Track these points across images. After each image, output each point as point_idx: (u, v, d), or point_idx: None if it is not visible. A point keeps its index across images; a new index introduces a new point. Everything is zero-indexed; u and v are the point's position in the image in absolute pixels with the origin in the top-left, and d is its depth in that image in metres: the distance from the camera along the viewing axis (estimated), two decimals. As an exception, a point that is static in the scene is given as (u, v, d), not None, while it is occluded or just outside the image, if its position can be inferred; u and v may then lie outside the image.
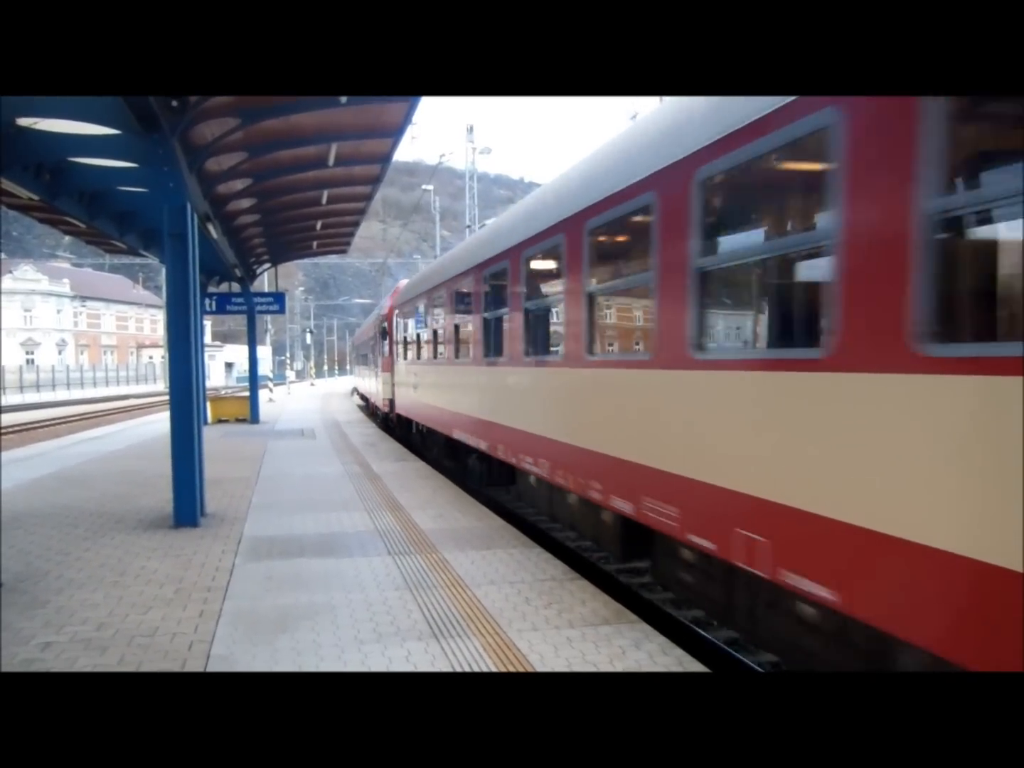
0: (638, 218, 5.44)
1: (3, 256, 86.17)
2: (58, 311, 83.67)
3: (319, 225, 18.21)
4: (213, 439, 17.12)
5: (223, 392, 40.42)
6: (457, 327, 11.19)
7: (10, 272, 78.95)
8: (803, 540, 3.73)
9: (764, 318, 4.74)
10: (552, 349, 7.44)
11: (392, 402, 18.99)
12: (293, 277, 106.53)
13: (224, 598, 5.78)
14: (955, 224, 2.99)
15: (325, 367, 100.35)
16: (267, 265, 24.69)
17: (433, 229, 44.63)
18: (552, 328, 7.55)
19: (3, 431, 26.18)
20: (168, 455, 8.49)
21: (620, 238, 6.25)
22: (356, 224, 18.96)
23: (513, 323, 8.26)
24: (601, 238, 6.23)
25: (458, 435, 11.09)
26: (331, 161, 11.79)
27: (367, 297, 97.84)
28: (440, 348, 12.67)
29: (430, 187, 39.99)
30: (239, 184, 12.80)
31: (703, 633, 6.57)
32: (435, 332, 13.10)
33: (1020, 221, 2.88)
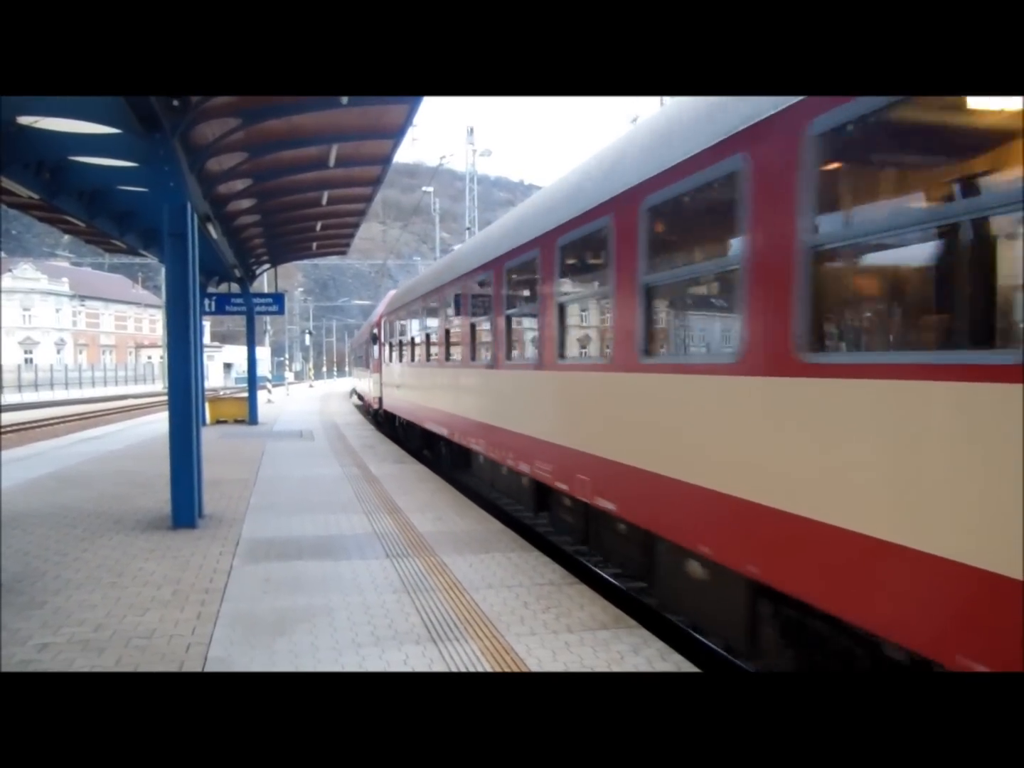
0: (530, 266, 7.61)
1: (3, 255, 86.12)
2: (57, 310, 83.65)
3: (319, 226, 18.22)
4: (211, 440, 17.11)
5: (222, 393, 40.37)
6: (428, 336, 13.86)
7: (9, 271, 78.97)
8: (602, 476, 5.95)
9: (577, 339, 7.71)
10: (483, 356, 9.84)
11: (381, 399, 21.79)
12: (293, 278, 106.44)
13: (222, 600, 5.77)
14: (651, 294, 5.25)
15: (324, 368, 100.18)
16: (267, 266, 24.68)
17: (433, 231, 44.63)
18: (482, 340, 9.99)
19: (2, 431, 26.17)
20: (166, 456, 8.48)
21: (522, 279, 8.39)
22: (356, 225, 18.96)
23: (462, 335, 10.80)
24: (512, 277, 8.55)
25: (429, 426, 13.71)
26: (332, 162, 11.79)
27: (366, 299, 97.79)
28: (416, 353, 15.37)
29: (430, 189, 40.00)
30: (239, 184, 12.80)
31: (701, 639, 6.56)
32: (412, 339, 15.81)
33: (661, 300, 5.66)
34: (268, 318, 41.79)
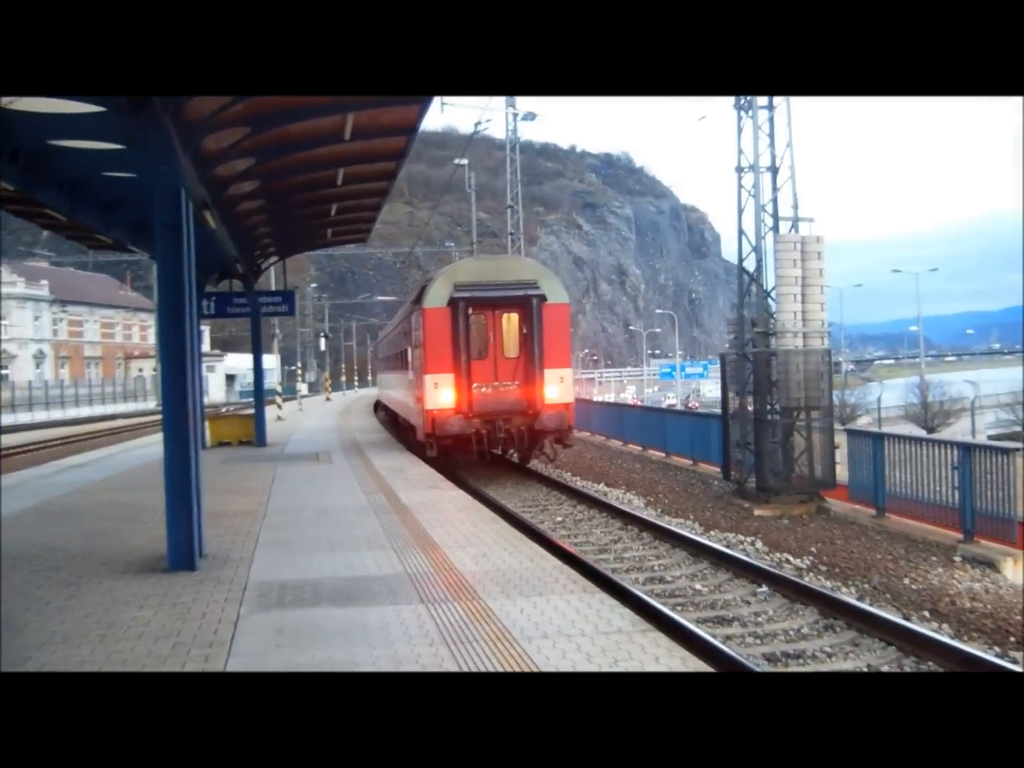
0: (399, 337, 27.29)
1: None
2: (36, 318, 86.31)
3: (334, 210, 18.40)
4: (213, 466, 17.47)
5: (224, 410, 41.26)
6: (384, 358, 37.81)
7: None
8: (398, 405, 28.51)
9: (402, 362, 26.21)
10: (393, 369, 30.53)
11: (377, 395, 46.56)
12: (304, 272, 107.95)
13: (228, 655, 5.89)
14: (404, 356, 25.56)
15: (343, 377, 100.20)
16: (274, 259, 25.16)
17: (468, 211, 44.94)
18: (393, 362, 29.76)
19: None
20: (161, 485, 8.69)
21: (388, 346, 34.50)
22: (378, 207, 19.17)
23: (392, 359, 31.45)
24: (384, 346, 37.59)
25: (384, 400, 37.15)
26: (347, 135, 11.86)
27: (391, 294, 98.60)
28: (381, 367, 41.18)
29: (464, 161, 40.39)
30: (241, 164, 13.01)
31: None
32: (374, 364, 55.35)
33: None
34: (276, 320, 42.67)
